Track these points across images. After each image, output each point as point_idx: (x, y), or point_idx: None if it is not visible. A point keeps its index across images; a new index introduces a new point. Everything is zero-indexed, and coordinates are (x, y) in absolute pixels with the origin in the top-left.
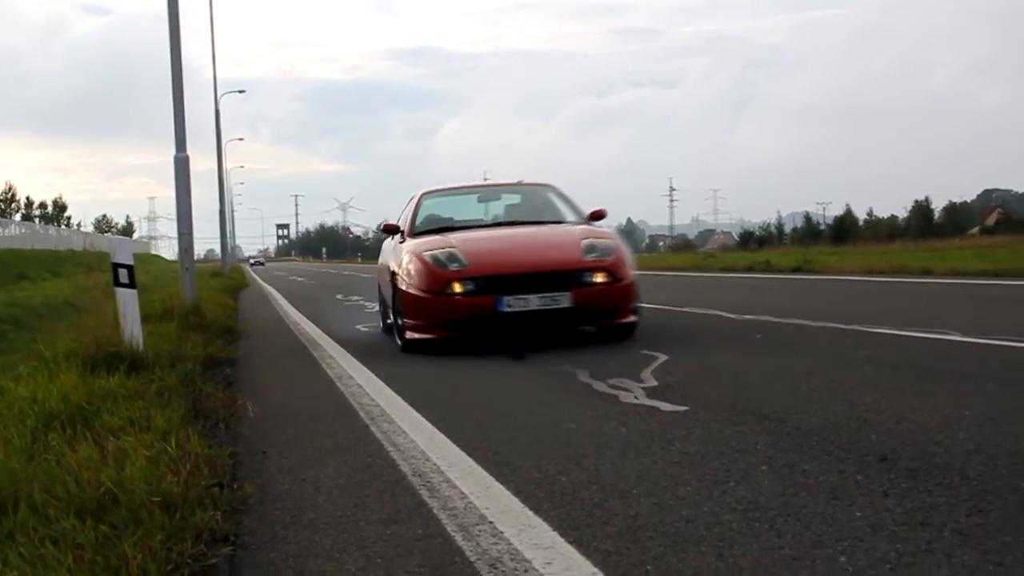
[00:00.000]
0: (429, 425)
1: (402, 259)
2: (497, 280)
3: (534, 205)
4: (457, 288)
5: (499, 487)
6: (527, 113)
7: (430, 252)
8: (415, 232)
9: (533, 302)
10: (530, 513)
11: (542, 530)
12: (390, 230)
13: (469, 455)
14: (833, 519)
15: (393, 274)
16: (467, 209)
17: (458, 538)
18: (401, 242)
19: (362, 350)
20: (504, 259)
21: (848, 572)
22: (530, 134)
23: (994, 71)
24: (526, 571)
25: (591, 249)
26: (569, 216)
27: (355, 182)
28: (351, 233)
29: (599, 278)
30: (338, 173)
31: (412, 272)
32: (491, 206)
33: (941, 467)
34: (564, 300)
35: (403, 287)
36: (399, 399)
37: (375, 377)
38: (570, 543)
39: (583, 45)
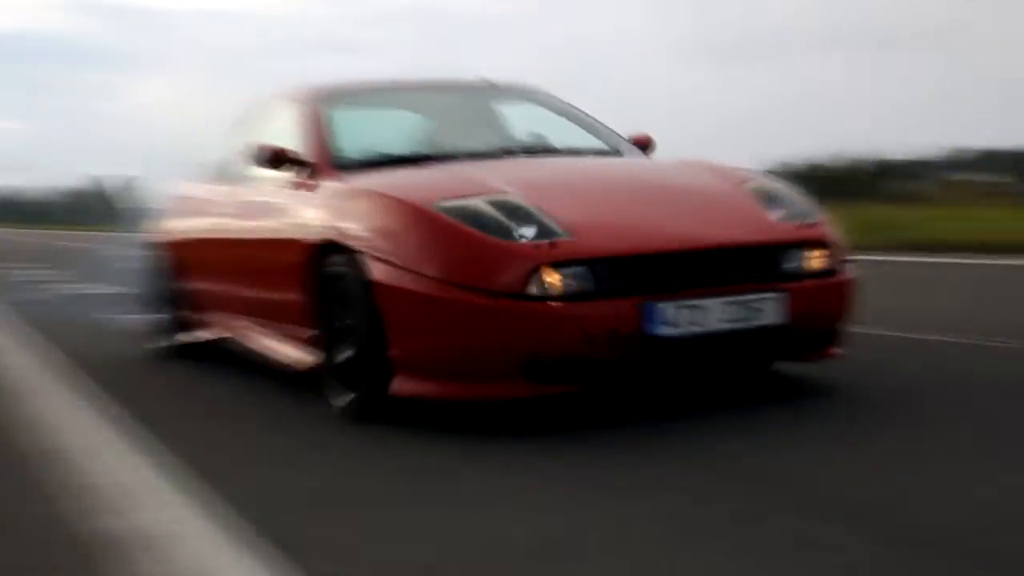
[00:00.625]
0: (76, 399)
1: (355, 214)
2: (642, 265)
3: (534, 122)
4: (553, 280)
5: (136, 460)
6: (214, 73)
7: (460, 203)
8: (350, 163)
9: (714, 312)
10: (170, 489)
11: (182, 507)
12: (277, 158)
13: (112, 429)
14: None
15: (331, 248)
16: (410, 128)
17: (77, 520)
18: (311, 179)
19: (30, 318)
20: (643, 221)
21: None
22: (214, 93)
23: None
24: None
25: (772, 200)
26: (614, 142)
27: (21, 140)
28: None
29: (814, 261)
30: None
31: (410, 242)
32: (454, 125)
33: (779, 470)
34: (770, 308)
35: (382, 278)
36: (51, 372)
37: (28, 347)
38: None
39: (273, 5)
